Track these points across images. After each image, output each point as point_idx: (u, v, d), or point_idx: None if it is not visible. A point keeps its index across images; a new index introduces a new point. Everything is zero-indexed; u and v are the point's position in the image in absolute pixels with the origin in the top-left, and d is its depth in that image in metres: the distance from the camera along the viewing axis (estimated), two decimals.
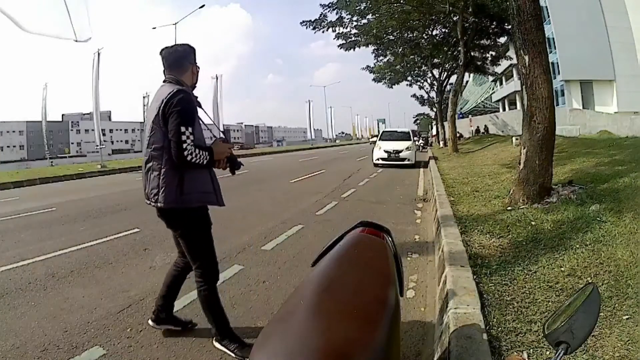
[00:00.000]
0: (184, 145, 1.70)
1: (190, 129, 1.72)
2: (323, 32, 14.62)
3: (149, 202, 1.85)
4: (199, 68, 1.97)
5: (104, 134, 17.06)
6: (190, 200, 1.81)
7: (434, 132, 33.19)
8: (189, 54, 1.91)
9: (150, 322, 2.18)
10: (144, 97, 25.40)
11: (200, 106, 1.90)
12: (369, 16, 14.47)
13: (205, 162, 1.77)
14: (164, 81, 1.89)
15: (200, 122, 1.90)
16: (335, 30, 14.86)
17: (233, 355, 1.94)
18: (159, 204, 1.79)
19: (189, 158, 1.71)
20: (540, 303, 2.00)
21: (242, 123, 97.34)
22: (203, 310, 1.97)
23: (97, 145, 17.04)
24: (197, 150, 1.73)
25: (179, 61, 1.89)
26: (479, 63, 19.02)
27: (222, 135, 2.02)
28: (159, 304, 2.16)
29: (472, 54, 16.70)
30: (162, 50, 1.90)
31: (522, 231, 3.30)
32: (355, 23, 14.93)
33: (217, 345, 2.01)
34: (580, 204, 3.83)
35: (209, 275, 1.94)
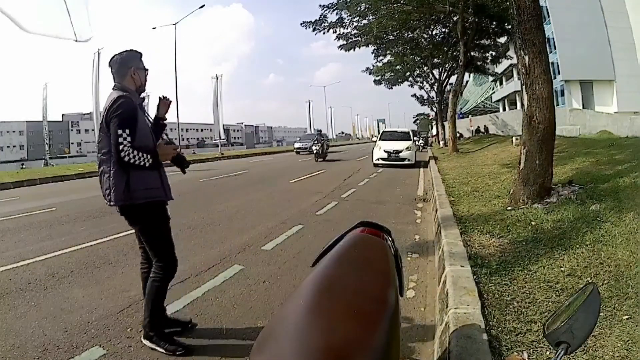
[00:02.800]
0: (121, 147, 1.80)
1: (127, 132, 1.82)
2: (324, 32, 14.63)
3: (107, 202, 1.96)
4: (147, 70, 2.07)
5: None
6: (137, 197, 1.91)
7: (434, 132, 33.20)
8: (127, 59, 2.00)
9: None
10: (143, 98, 25.36)
11: (143, 110, 2.02)
12: (369, 17, 14.46)
13: (147, 163, 1.87)
14: (112, 88, 1.99)
15: (148, 123, 2.02)
16: (335, 31, 14.88)
17: (164, 351, 1.97)
18: (111, 203, 1.92)
19: (126, 159, 1.81)
20: (540, 303, 2.00)
21: (242, 123, 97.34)
22: (146, 297, 2.02)
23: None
24: (134, 152, 1.83)
25: (119, 68, 1.98)
26: (479, 63, 19.01)
27: (166, 137, 2.15)
28: None
29: (472, 54, 16.69)
30: (110, 60, 2.01)
31: (522, 231, 3.30)
32: (355, 24, 14.94)
33: (146, 342, 2.02)
34: (580, 204, 3.83)
35: (168, 269, 2.04)
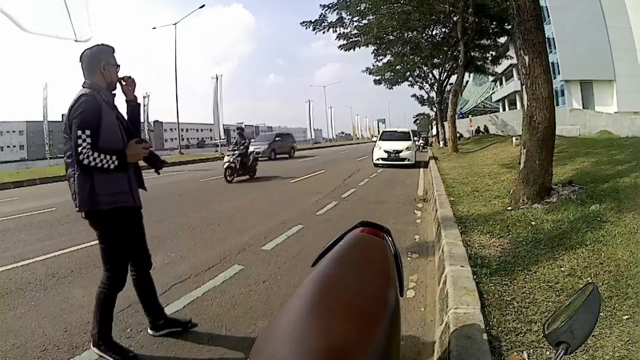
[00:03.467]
0: (79, 149, 1.69)
1: (87, 132, 1.70)
2: (324, 32, 14.64)
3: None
4: (118, 67, 1.95)
5: None
6: (101, 202, 1.80)
7: (434, 132, 33.18)
8: (98, 53, 1.89)
9: (149, 331, 2.17)
10: (144, 97, 25.47)
11: (114, 107, 1.92)
12: (369, 17, 14.46)
13: (111, 165, 1.74)
14: (82, 86, 1.88)
15: (120, 122, 1.91)
16: (335, 31, 14.89)
17: None
18: (77, 209, 1.82)
19: (85, 162, 1.70)
20: (540, 303, 2.00)
21: (242, 123, 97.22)
22: (94, 306, 1.93)
23: None
24: (95, 154, 1.70)
25: (90, 62, 1.87)
26: (479, 63, 19.02)
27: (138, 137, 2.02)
28: (147, 313, 2.15)
29: (472, 54, 16.69)
30: (80, 54, 1.90)
31: (522, 231, 3.30)
32: (355, 24, 14.95)
33: (94, 350, 1.94)
34: (580, 204, 3.83)
35: (114, 282, 1.93)
